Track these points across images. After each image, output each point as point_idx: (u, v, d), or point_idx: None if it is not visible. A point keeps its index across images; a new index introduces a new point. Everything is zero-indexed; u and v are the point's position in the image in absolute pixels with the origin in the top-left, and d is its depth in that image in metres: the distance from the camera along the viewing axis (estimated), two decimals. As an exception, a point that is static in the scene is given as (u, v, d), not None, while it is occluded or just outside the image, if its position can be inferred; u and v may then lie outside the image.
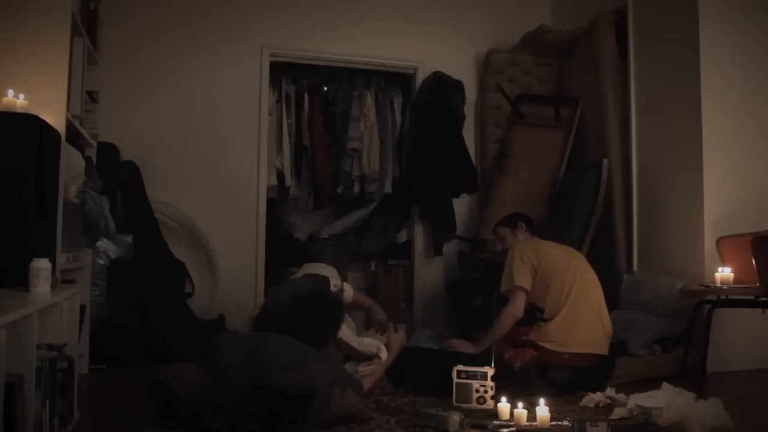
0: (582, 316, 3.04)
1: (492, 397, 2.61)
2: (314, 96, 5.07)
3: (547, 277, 3.12)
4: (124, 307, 3.68)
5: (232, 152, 4.54)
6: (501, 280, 3.21)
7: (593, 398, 2.74)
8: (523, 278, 3.12)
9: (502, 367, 2.76)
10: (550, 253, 3.21)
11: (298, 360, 2.26)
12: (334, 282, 3.13)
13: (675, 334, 3.49)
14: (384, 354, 2.88)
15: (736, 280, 3.19)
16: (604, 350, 3.07)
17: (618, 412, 2.52)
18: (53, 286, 2.19)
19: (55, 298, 2.12)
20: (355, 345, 2.88)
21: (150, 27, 4.39)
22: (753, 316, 3.10)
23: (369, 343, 2.89)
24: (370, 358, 2.88)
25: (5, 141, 2.39)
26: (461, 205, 4.93)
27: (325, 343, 2.64)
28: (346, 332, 2.89)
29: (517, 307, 3.11)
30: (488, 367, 2.65)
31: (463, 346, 3.19)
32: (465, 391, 2.63)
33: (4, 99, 2.62)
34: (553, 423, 2.40)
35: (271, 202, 4.86)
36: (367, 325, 3.47)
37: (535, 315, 3.12)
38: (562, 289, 3.07)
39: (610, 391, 2.79)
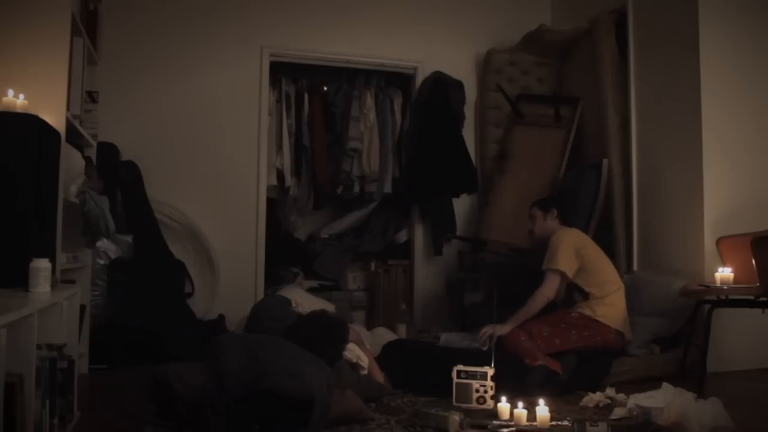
0: (624, 303, 3.31)
1: (492, 397, 2.61)
2: (314, 96, 5.07)
3: (593, 263, 3.30)
4: (124, 307, 3.68)
5: (232, 152, 4.54)
6: (546, 256, 3.29)
7: (593, 398, 2.75)
8: (565, 262, 3.23)
9: (503, 367, 2.76)
10: (591, 242, 3.43)
11: (296, 367, 2.25)
12: (296, 301, 3.28)
13: (672, 334, 3.49)
14: (364, 358, 2.90)
15: (736, 280, 3.19)
16: (631, 336, 3.34)
17: (618, 412, 2.52)
18: (53, 286, 2.19)
19: (55, 298, 2.11)
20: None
21: (150, 27, 4.40)
22: (753, 316, 3.10)
23: (350, 349, 2.87)
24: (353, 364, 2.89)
25: (5, 141, 2.38)
26: (461, 205, 4.93)
27: (333, 363, 2.62)
28: None
29: (550, 289, 3.22)
30: (488, 367, 2.66)
31: (496, 328, 3.11)
32: (465, 391, 2.64)
33: (4, 99, 2.61)
34: (553, 423, 2.40)
35: (271, 202, 4.86)
36: None
37: (573, 297, 3.25)
38: (614, 275, 3.34)
39: (610, 391, 2.79)
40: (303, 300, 3.42)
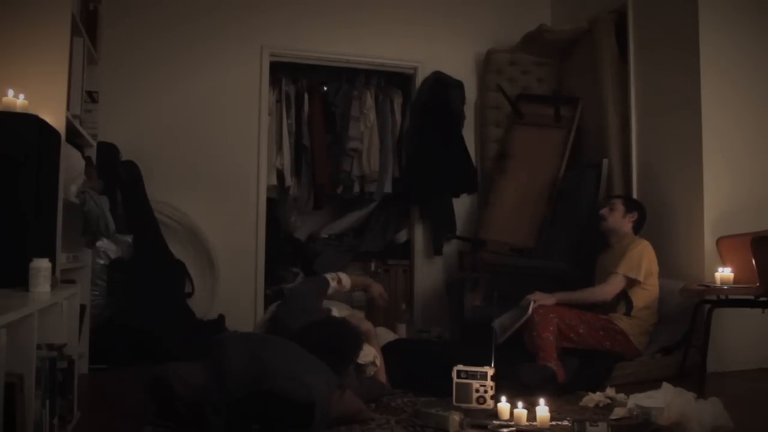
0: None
1: (492, 397, 2.61)
2: (314, 96, 5.07)
3: (653, 286, 3.36)
4: (124, 307, 3.68)
5: (232, 152, 4.54)
6: (620, 260, 3.34)
7: (593, 398, 2.75)
8: (642, 274, 3.31)
9: (507, 366, 2.76)
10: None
11: (297, 370, 2.25)
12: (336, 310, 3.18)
13: (677, 340, 3.48)
14: (379, 359, 2.90)
15: (736, 280, 3.19)
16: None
17: (618, 412, 2.52)
18: (53, 286, 2.19)
19: (55, 298, 2.11)
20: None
21: (150, 27, 4.39)
22: (753, 316, 3.10)
23: (365, 353, 2.87)
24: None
25: (5, 141, 2.38)
26: (461, 205, 4.93)
27: (343, 371, 2.62)
28: None
29: (611, 292, 3.31)
30: (488, 367, 2.66)
31: (539, 296, 3.24)
32: (465, 391, 2.64)
33: (4, 99, 2.61)
34: (553, 423, 2.40)
35: (271, 202, 4.86)
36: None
37: (615, 304, 3.32)
38: (657, 304, 3.38)
39: (610, 391, 2.79)
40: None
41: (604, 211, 3.58)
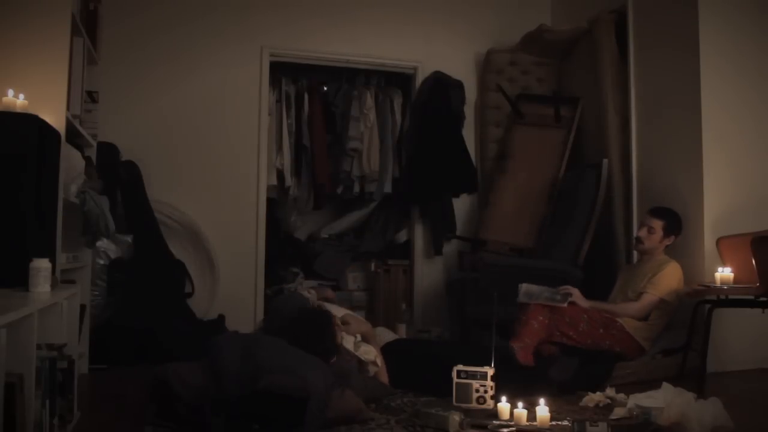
0: None
1: (492, 397, 2.61)
2: (314, 96, 5.08)
3: (675, 303, 3.40)
4: (124, 307, 3.68)
5: (232, 152, 4.54)
6: (655, 281, 3.38)
7: (593, 398, 2.75)
8: (671, 296, 3.37)
9: (507, 365, 2.77)
10: None
11: (292, 365, 2.27)
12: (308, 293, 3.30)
13: (680, 344, 3.48)
14: (380, 359, 2.91)
15: (736, 280, 3.19)
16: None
17: (618, 412, 2.52)
18: (53, 286, 2.19)
19: (55, 298, 2.12)
20: (357, 354, 2.91)
21: (150, 27, 4.39)
22: (753, 316, 3.10)
23: (367, 351, 2.91)
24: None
25: (5, 141, 2.38)
26: (461, 205, 4.93)
27: (329, 356, 2.67)
28: (349, 341, 2.92)
29: (643, 312, 3.36)
30: (488, 367, 2.66)
31: (578, 296, 3.29)
32: (465, 391, 2.63)
33: (4, 99, 2.61)
34: (553, 423, 2.40)
35: (271, 202, 4.86)
36: None
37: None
38: (670, 316, 3.43)
39: (610, 391, 2.79)
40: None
41: (641, 234, 3.54)
